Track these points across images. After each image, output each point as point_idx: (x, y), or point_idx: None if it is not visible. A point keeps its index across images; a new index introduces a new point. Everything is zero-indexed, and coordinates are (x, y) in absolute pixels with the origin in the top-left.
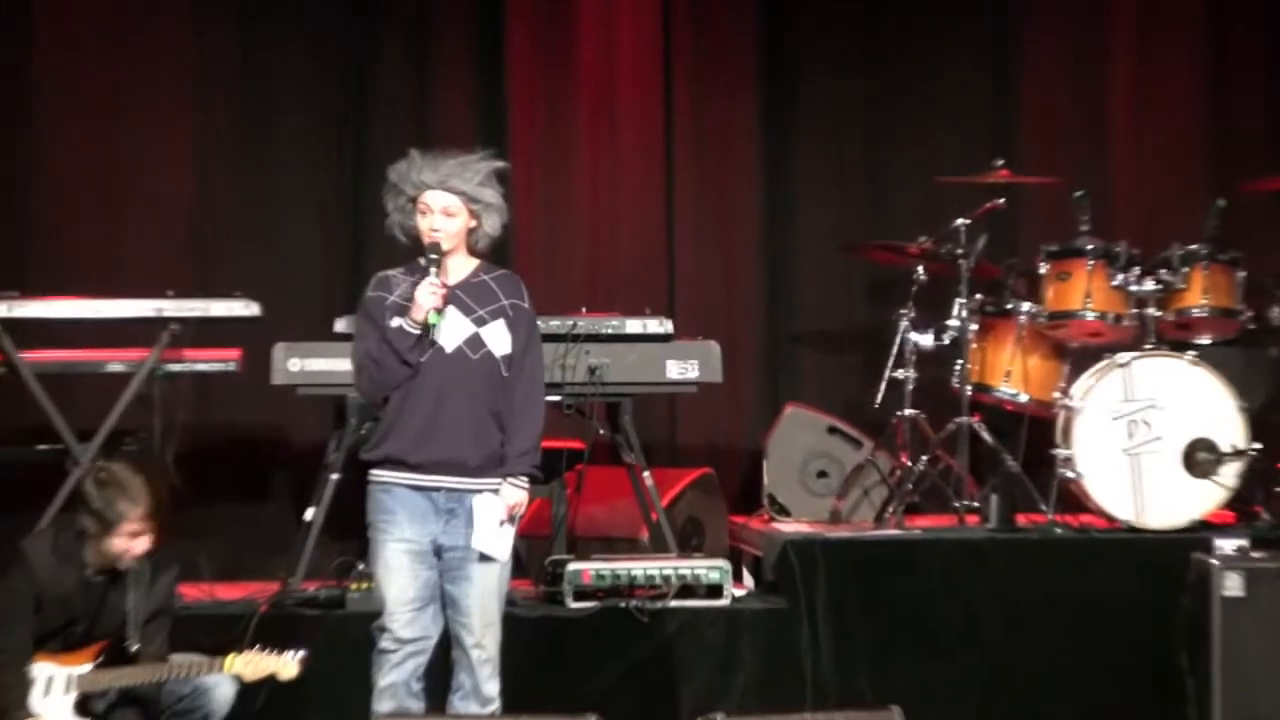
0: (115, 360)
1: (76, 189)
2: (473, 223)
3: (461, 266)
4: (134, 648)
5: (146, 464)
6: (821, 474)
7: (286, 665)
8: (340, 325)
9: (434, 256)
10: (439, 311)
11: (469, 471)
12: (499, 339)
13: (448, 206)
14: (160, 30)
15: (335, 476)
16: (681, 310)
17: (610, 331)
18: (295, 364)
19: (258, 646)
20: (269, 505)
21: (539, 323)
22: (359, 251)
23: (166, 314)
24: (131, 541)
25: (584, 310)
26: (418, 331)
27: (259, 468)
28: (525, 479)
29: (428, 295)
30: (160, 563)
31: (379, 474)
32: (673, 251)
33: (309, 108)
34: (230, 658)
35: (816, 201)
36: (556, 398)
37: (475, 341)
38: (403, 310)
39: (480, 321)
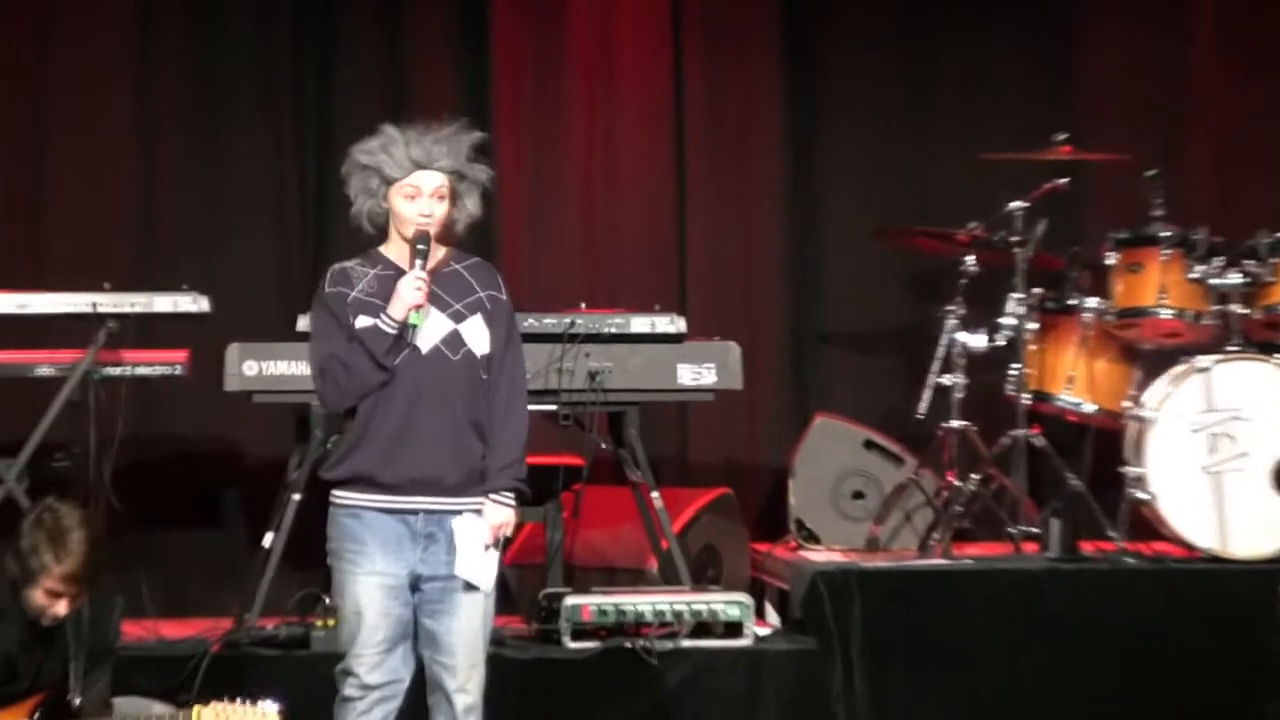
0: (44, 363)
1: (2, 173)
2: (451, 205)
3: (432, 255)
4: (76, 700)
5: (93, 519)
6: (857, 495)
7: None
8: (302, 323)
9: (423, 247)
10: (421, 310)
11: (448, 490)
12: (478, 336)
13: (439, 188)
14: (100, 6)
15: (297, 497)
16: (695, 306)
17: (613, 331)
18: (251, 367)
19: (227, 698)
20: (221, 530)
21: (530, 320)
22: (321, 241)
23: (103, 309)
24: (49, 600)
25: (582, 306)
26: (395, 331)
27: (209, 486)
28: (511, 495)
29: (413, 291)
30: (100, 596)
31: (344, 495)
32: (684, 239)
33: (265, 83)
34: (196, 711)
35: (848, 181)
36: (552, 407)
37: (454, 340)
38: (367, 307)
39: (458, 317)
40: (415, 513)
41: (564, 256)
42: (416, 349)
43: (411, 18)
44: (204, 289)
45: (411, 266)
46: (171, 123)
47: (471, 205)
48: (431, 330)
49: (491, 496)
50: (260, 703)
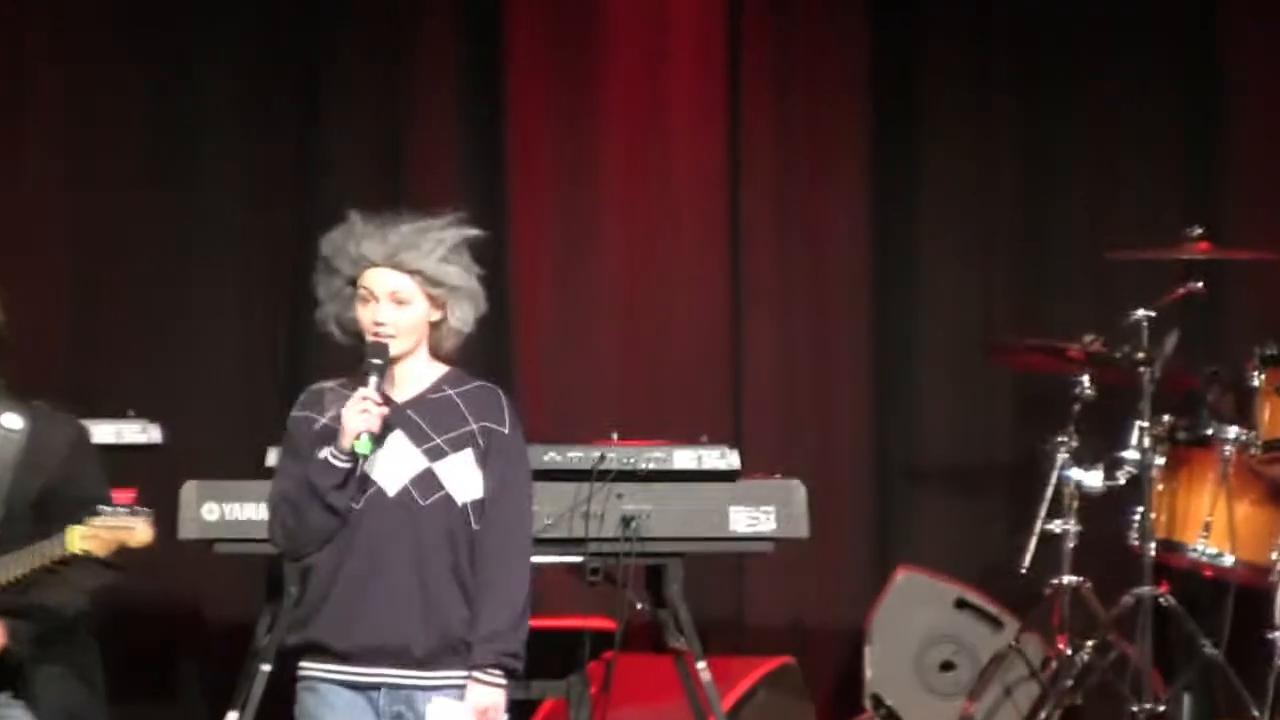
0: None
1: None
2: (435, 314)
3: (420, 375)
4: None
5: None
6: (946, 665)
7: (137, 530)
8: (273, 457)
9: (376, 362)
10: (374, 438)
11: (417, 661)
12: (463, 478)
13: (397, 291)
14: (19, 41)
15: (266, 668)
16: (752, 436)
17: (652, 467)
18: (212, 510)
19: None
20: (174, 708)
21: (551, 454)
22: (300, 356)
23: None
24: None
25: (615, 436)
26: (345, 465)
27: (160, 656)
28: (499, 673)
29: (356, 415)
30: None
31: (304, 666)
32: (740, 351)
33: (235, 154)
34: (71, 532)
35: (945, 279)
36: (577, 559)
37: (426, 481)
38: (332, 436)
39: (436, 454)
40: (377, 687)
41: (594, 374)
42: (381, 491)
43: (414, 70)
44: (153, 414)
45: (363, 385)
46: (113, 211)
47: (458, 318)
48: (399, 468)
49: (475, 675)
50: (133, 514)
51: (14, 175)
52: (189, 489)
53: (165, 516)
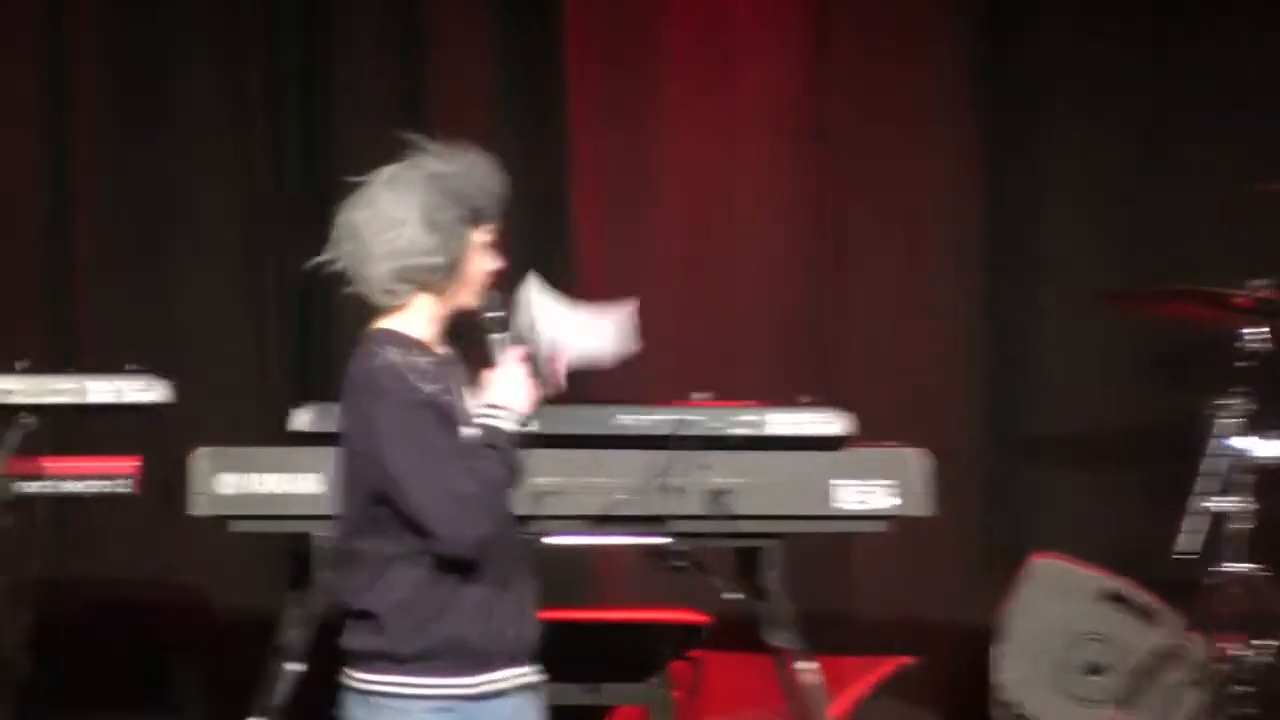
0: None
1: None
2: None
3: (439, 329)
4: None
5: None
6: (1092, 668)
7: None
8: (301, 420)
9: (505, 313)
10: None
11: (530, 659)
12: None
13: None
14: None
15: (293, 667)
16: (859, 397)
17: (743, 433)
18: (227, 482)
19: None
20: (180, 715)
21: (622, 417)
22: (326, 307)
23: (14, 399)
24: None
25: (698, 397)
26: (522, 431)
27: (165, 652)
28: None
29: (523, 380)
30: None
31: (420, 681)
32: (843, 307)
33: (229, 84)
34: None
35: (1070, 225)
36: (658, 540)
37: None
38: (459, 411)
39: None
40: (511, 691)
41: (671, 328)
42: None
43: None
44: (158, 369)
45: (495, 344)
46: (97, 139)
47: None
48: None
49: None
50: None
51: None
52: (200, 457)
53: (171, 489)
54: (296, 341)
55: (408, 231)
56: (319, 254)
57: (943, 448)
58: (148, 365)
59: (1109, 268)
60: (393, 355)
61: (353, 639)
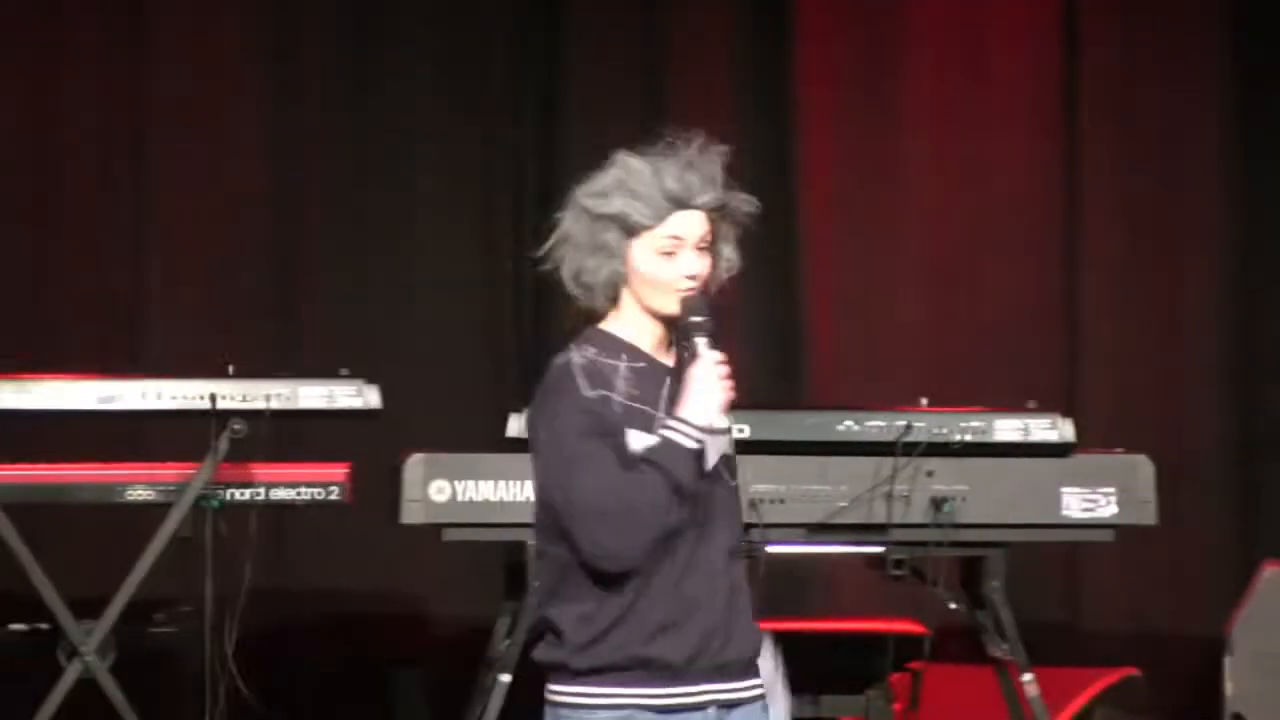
0: (139, 482)
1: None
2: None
3: (654, 334)
4: None
5: None
6: None
7: None
8: (516, 426)
9: (701, 319)
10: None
11: (744, 668)
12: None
13: (704, 235)
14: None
15: (505, 679)
16: (1089, 405)
17: (969, 439)
18: (441, 489)
19: None
20: None
21: (847, 423)
22: (542, 303)
23: (224, 404)
24: None
25: (924, 403)
26: (700, 446)
27: (378, 663)
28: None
29: (718, 384)
30: None
31: (604, 692)
32: (1075, 308)
33: (478, 78)
34: None
35: None
36: (878, 549)
37: (730, 458)
38: (636, 418)
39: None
40: (705, 706)
41: (897, 330)
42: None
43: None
44: (371, 375)
45: (691, 350)
46: (324, 136)
47: (729, 251)
48: (713, 446)
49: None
50: None
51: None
52: (414, 464)
53: (385, 496)
54: (529, 346)
55: (569, 249)
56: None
57: (1177, 452)
58: (368, 371)
59: None
60: (578, 356)
61: (538, 650)
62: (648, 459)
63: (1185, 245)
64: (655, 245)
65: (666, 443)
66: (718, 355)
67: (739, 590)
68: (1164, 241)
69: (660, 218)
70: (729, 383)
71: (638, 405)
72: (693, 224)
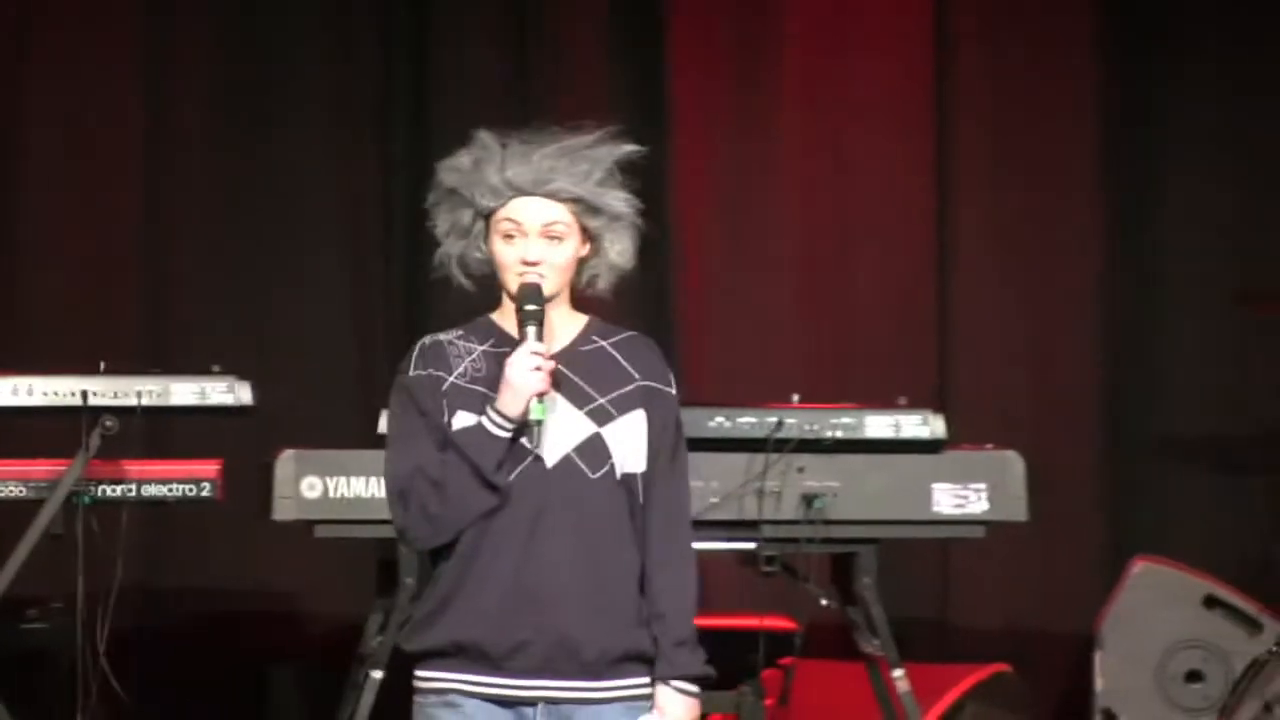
0: (11, 478)
1: None
2: (585, 249)
3: (565, 324)
4: None
5: None
6: (1193, 675)
7: None
8: (386, 424)
9: (532, 308)
10: (545, 399)
11: (584, 667)
12: (631, 446)
13: (552, 223)
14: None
15: (378, 675)
16: (960, 400)
17: (840, 436)
18: (313, 486)
19: None
20: None
21: (719, 419)
22: (413, 300)
23: (96, 400)
24: None
25: (795, 399)
26: (508, 434)
27: (249, 660)
28: (694, 684)
29: (527, 373)
30: None
31: (431, 676)
32: (946, 301)
33: (329, 73)
34: None
35: (1195, 216)
36: (749, 545)
37: (595, 449)
38: (470, 400)
39: (602, 416)
40: (533, 703)
41: (768, 326)
42: (539, 461)
43: None
44: (242, 372)
45: (522, 338)
46: (192, 132)
47: (618, 252)
48: (562, 433)
49: (673, 684)
50: None
51: (84, 126)
52: (286, 460)
53: (257, 493)
54: (400, 342)
55: (438, 230)
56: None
57: (1048, 448)
58: (240, 367)
59: (1236, 255)
60: (433, 336)
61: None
62: (453, 441)
63: (1057, 243)
64: (498, 228)
65: (477, 428)
66: (535, 345)
67: (596, 591)
68: (1035, 239)
69: (501, 201)
70: (543, 374)
71: (477, 388)
72: (535, 210)
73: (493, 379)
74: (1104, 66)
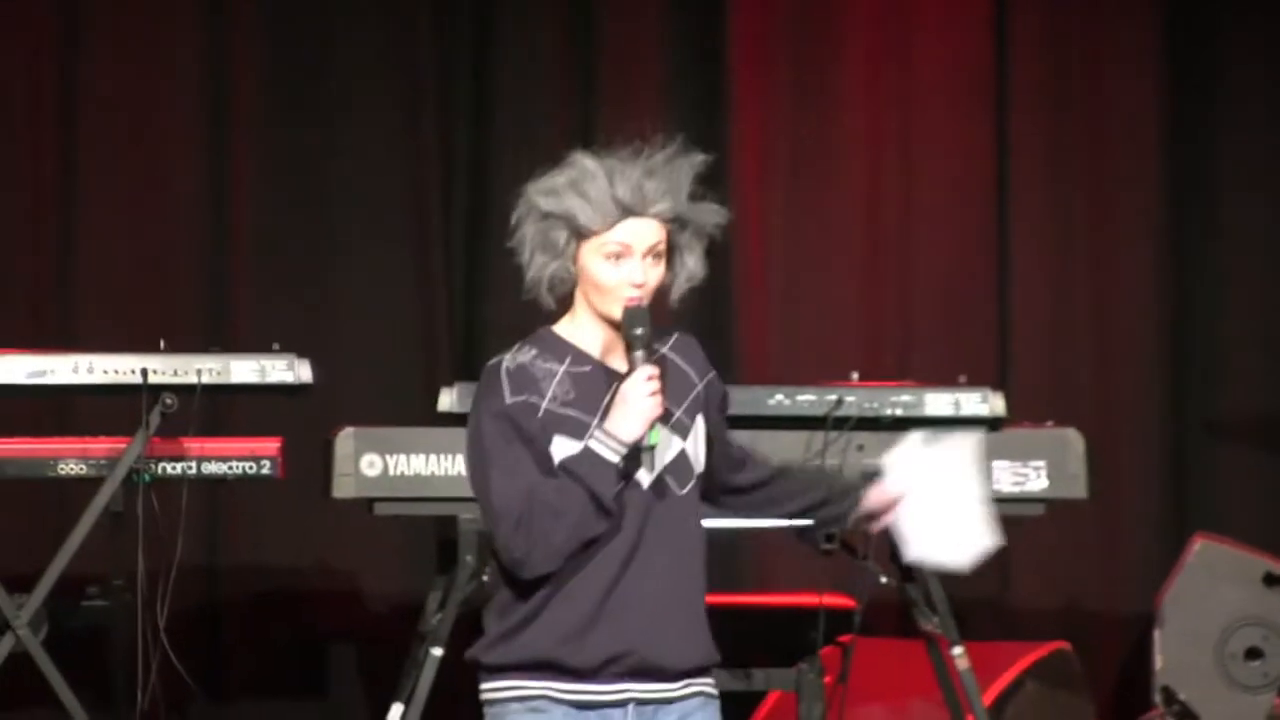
0: (70, 456)
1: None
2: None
3: (602, 338)
4: None
5: None
6: (1253, 653)
7: None
8: (448, 401)
9: (642, 331)
10: (657, 426)
11: (669, 676)
12: (702, 450)
13: (657, 244)
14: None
15: (438, 652)
16: (1020, 379)
17: (899, 414)
18: (373, 464)
19: None
20: (327, 700)
21: (779, 397)
22: (473, 279)
23: (156, 379)
24: None
25: (855, 377)
26: (619, 459)
27: (310, 637)
28: None
29: (646, 398)
30: None
31: (511, 685)
32: (1005, 284)
33: (392, 67)
34: None
35: (1254, 201)
36: (808, 522)
37: (682, 465)
38: (565, 425)
39: (682, 429)
40: (623, 704)
41: (829, 306)
42: (636, 484)
43: None
44: (303, 350)
45: (630, 362)
46: (256, 113)
47: (693, 262)
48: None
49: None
50: None
51: (143, 110)
52: (345, 438)
53: (316, 471)
54: (462, 321)
55: (521, 244)
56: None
57: (1109, 427)
58: (300, 345)
59: None
60: (510, 359)
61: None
62: (566, 468)
63: (1116, 223)
64: (603, 250)
65: (587, 452)
66: (649, 370)
67: (682, 605)
68: (1094, 219)
69: (608, 223)
70: (658, 398)
71: (571, 412)
72: (643, 232)
73: (585, 402)
74: (1165, 42)
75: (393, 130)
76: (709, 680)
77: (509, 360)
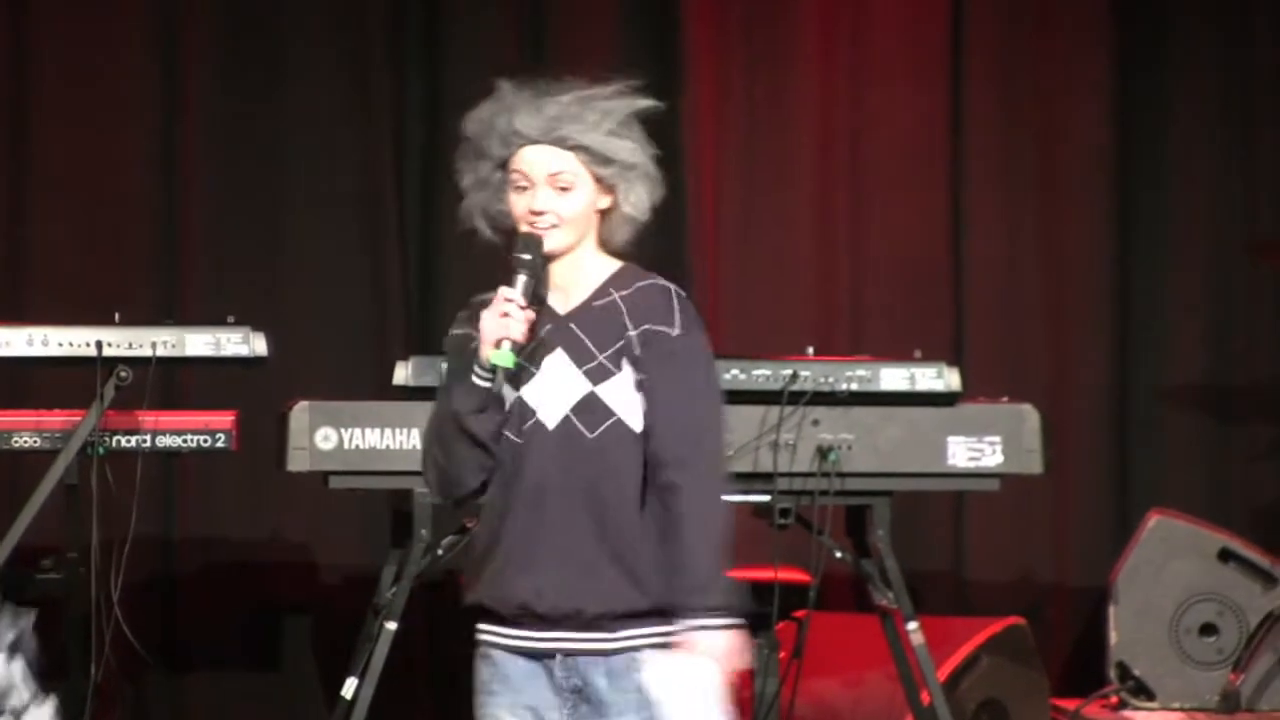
0: (25, 428)
1: None
2: (604, 200)
3: (587, 278)
4: None
5: None
6: (1207, 629)
7: None
8: (402, 374)
9: (526, 257)
10: (515, 348)
11: (587, 623)
12: (633, 400)
13: (559, 173)
14: None
15: (392, 626)
16: (975, 354)
17: (854, 388)
18: (327, 437)
19: None
20: (281, 673)
21: (734, 371)
22: (428, 253)
23: (111, 351)
24: None
25: (810, 352)
26: (487, 383)
27: (264, 610)
28: (720, 616)
29: (495, 319)
30: None
31: (480, 629)
32: (960, 257)
33: (341, 24)
34: None
35: (1205, 172)
36: (764, 497)
37: (591, 407)
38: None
39: (600, 374)
40: (551, 654)
41: (783, 280)
42: (541, 424)
43: None
44: (257, 323)
45: (512, 285)
46: (206, 84)
47: (632, 204)
48: (561, 394)
49: (690, 624)
50: None
51: (96, 79)
52: (300, 411)
53: (271, 444)
54: (416, 294)
55: (461, 182)
56: (436, 204)
57: (1061, 402)
58: (254, 318)
59: (1241, 211)
60: (482, 297)
61: None
62: (441, 387)
63: (1068, 198)
64: (511, 179)
65: (462, 385)
66: (509, 292)
67: (602, 553)
68: (1047, 194)
69: (510, 152)
70: (512, 320)
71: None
72: (541, 159)
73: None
74: (1117, 16)
75: (344, 102)
76: (653, 638)
77: (477, 297)
